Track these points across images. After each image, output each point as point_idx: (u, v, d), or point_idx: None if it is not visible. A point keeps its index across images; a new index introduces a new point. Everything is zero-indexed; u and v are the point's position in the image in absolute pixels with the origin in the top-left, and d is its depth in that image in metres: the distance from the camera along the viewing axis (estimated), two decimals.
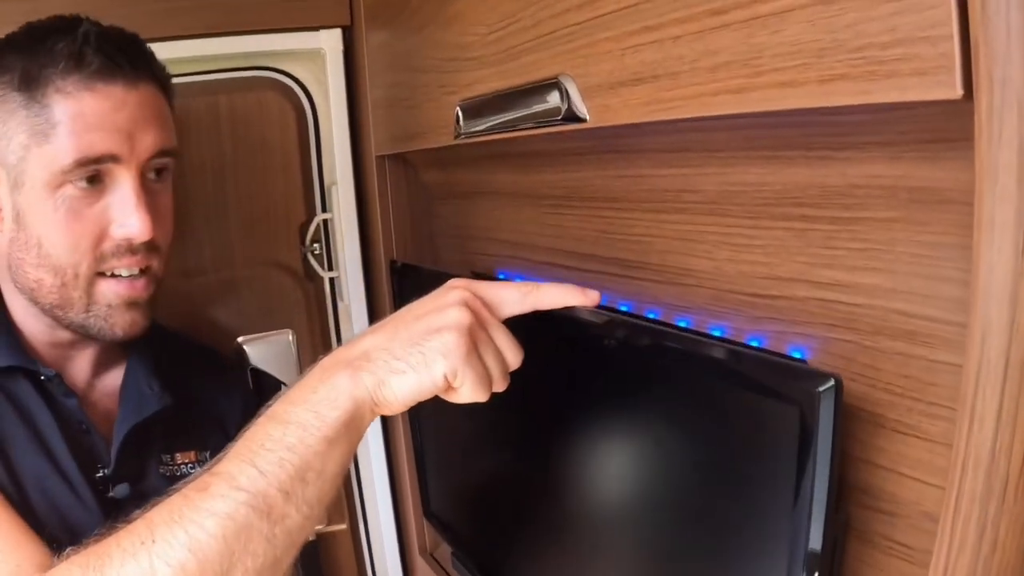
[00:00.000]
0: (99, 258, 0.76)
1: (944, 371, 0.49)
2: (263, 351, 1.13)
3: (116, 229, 0.76)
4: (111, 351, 0.88)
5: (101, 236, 0.76)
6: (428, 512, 1.14)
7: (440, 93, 0.88)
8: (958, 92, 0.38)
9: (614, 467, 0.72)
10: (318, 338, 1.21)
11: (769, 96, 0.48)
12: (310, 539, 1.17)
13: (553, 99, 0.67)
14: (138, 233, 0.76)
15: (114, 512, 0.79)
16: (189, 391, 0.93)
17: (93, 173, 0.74)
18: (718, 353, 0.57)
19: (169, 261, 0.84)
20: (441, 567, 1.19)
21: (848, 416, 0.56)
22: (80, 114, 0.73)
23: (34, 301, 0.80)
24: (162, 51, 0.83)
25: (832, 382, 0.47)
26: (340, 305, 1.22)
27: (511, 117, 0.74)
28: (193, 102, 1.07)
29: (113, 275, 0.78)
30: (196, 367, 0.97)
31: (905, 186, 0.49)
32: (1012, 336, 0.38)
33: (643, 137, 0.67)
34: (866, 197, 0.52)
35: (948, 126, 0.43)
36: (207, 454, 0.91)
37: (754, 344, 0.62)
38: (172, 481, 0.84)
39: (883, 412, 0.54)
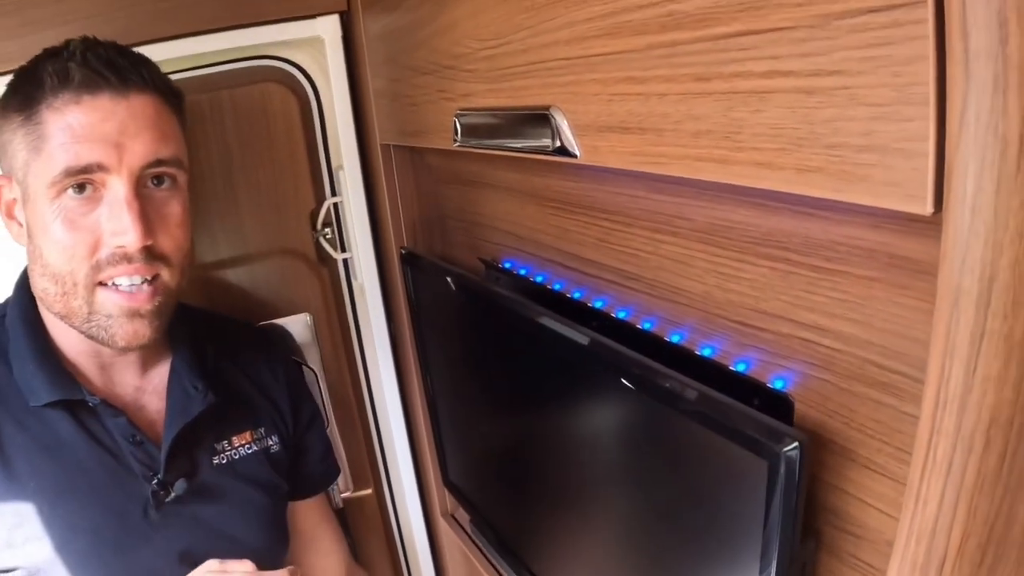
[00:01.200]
0: (96, 267, 0.78)
1: (910, 422, 0.52)
2: None
3: (109, 237, 0.78)
4: (154, 352, 0.91)
5: (96, 245, 0.78)
6: (447, 481, 1.20)
7: (439, 97, 0.88)
8: (928, 210, 0.39)
9: (602, 461, 0.77)
10: (335, 318, 1.25)
11: (749, 173, 0.50)
12: (338, 507, 1.25)
13: (545, 132, 0.68)
14: (130, 240, 0.77)
15: (175, 511, 0.86)
16: (237, 369, 0.98)
17: (83, 182, 0.76)
18: (697, 394, 0.60)
19: (186, 270, 0.85)
20: (462, 528, 1.26)
21: (823, 447, 0.59)
22: (68, 126, 0.76)
23: (54, 312, 0.82)
24: (162, 51, 0.84)
25: (796, 445, 0.50)
26: (355, 285, 1.26)
27: (505, 143, 0.75)
28: (196, 97, 1.07)
29: (114, 285, 0.79)
30: (241, 345, 1.01)
31: (885, 251, 0.51)
32: (957, 442, 0.41)
33: None
34: (847, 254, 0.54)
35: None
36: (262, 430, 0.97)
37: (740, 368, 0.65)
38: (231, 467, 0.92)
39: (855, 448, 0.57)
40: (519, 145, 0.73)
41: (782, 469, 0.51)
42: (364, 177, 1.18)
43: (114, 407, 0.85)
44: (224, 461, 0.92)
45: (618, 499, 0.76)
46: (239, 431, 0.95)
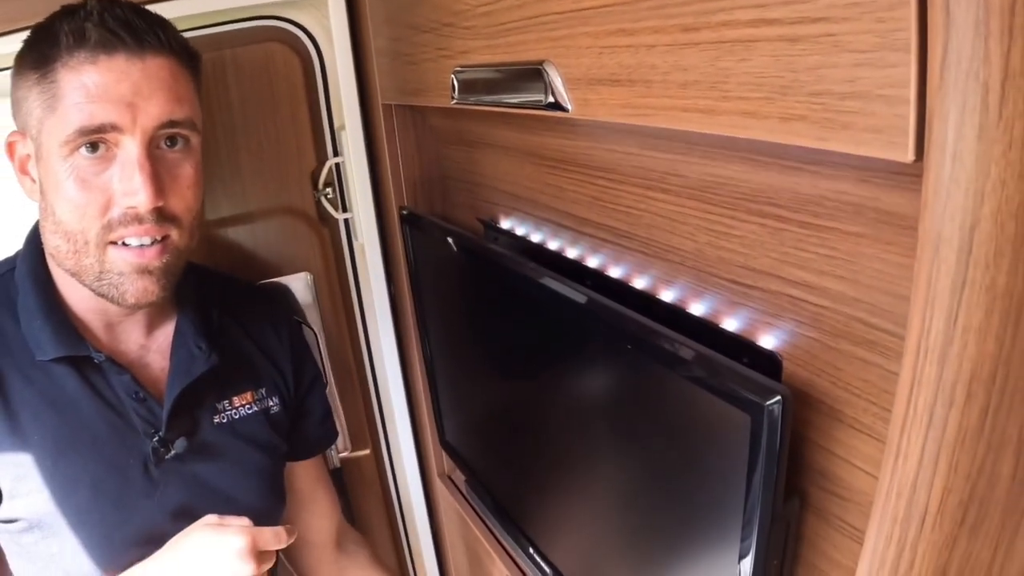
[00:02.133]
0: (107, 226, 0.78)
1: (896, 381, 0.51)
2: None
3: (121, 197, 0.78)
4: (160, 311, 0.91)
5: (108, 204, 0.78)
6: (443, 442, 1.21)
7: (438, 55, 0.87)
8: (910, 157, 0.39)
9: (594, 419, 0.77)
10: (335, 277, 1.25)
11: (734, 122, 0.49)
12: (335, 466, 1.26)
13: (538, 86, 0.67)
14: (141, 201, 0.77)
15: (175, 468, 0.87)
16: (241, 330, 0.99)
17: (96, 141, 0.77)
18: (685, 348, 0.60)
19: (195, 231, 0.85)
20: (458, 489, 1.27)
21: (810, 406, 0.59)
22: (82, 86, 0.75)
23: (65, 270, 0.83)
24: (166, 10, 0.83)
25: (778, 398, 0.50)
26: (355, 245, 1.26)
27: (500, 99, 0.75)
28: None
29: (124, 244, 0.80)
30: (246, 305, 1.02)
31: (873, 207, 0.50)
32: (938, 393, 0.40)
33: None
34: (835, 209, 0.53)
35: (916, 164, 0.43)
36: (263, 391, 0.98)
37: (730, 327, 0.65)
38: (231, 427, 0.93)
39: (842, 408, 0.57)
40: (514, 100, 0.73)
41: (765, 423, 0.51)
42: (366, 138, 1.18)
43: (119, 364, 0.86)
44: (224, 420, 0.93)
45: (609, 459, 0.76)
46: (240, 391, 0.96)
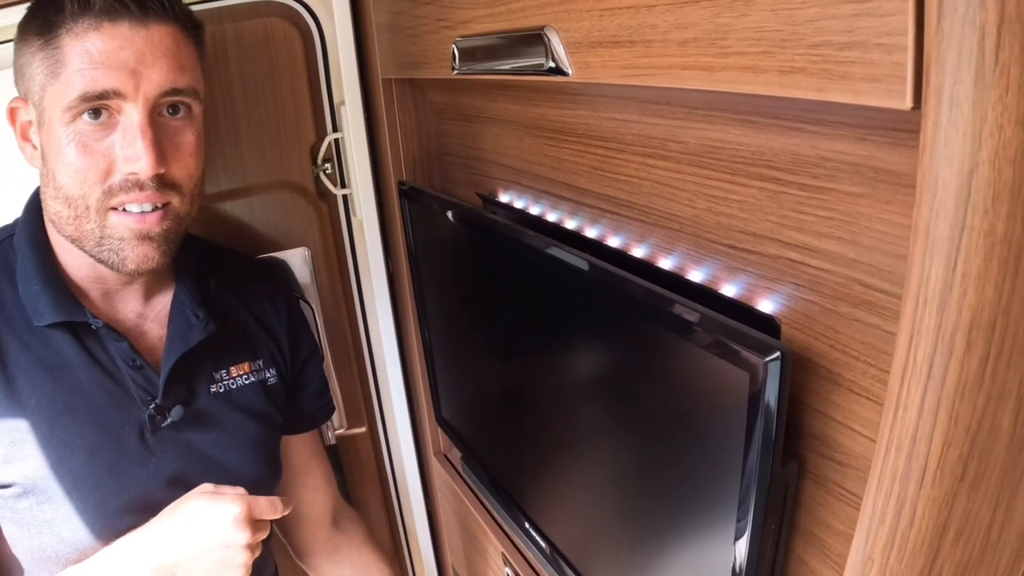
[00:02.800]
0: (108, 192, 0.79)
1: (895, 343, 0.51)
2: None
3: (122, 164, 0.78)
4: (158, 280, 0.92)
5: (109, 170, 0.78)
6: (440, 418, 1.21)
7: (438, 26, 0.87)
8: (908, 104, 0.39)
9: (592, 390, 0.77)
10: (332, 253, 1.25)
11: (733, 78, 0.49)
12: (331, 443, 1.26)
13: (539, 51, 0.67)
14: (142, 168, 0.77)
15: (171, 436, 0.88)
16: (239, 301, 0.99)
17: (99, 107, 0.77)
18: (684, 309, 0.59)
19: (196, 198, 0.86)
20: (453, 466, 1.28)
21: (808, 371, 0.59)
22: (86, 52, 0.75)
23: (64, 235, 0.83)
24: None
25: (777, 355, 0.50)
26: (354, 221, 1.25)
27: (501, 65, 0.74)
28: None
29: (125, 210, 0.80)
30: (244, 279, 1.02)
31: (871, 166, 0.50)
32: (937, 342, 0.40)
33: (628, 86, 0.67)
34: (834, 170, 0.53)
35: (912, 117, 0.43)
36: (260, 362, 0.98)
37: (729, 292, 0.65)
38: (227, 396, 0.93)
39: (840, 371, 0.57)
40: (514, 66, 0.73)
41: (763, 380, 0.51)
42: (365, 113, 1.17)
43: (116, 331, 0.86)
44: (221, 390, 0.94)
45: (607, 429, 0.76)
46: (237, 362, 0.96)
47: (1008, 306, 0.39)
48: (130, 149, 0.78)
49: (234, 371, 0.95)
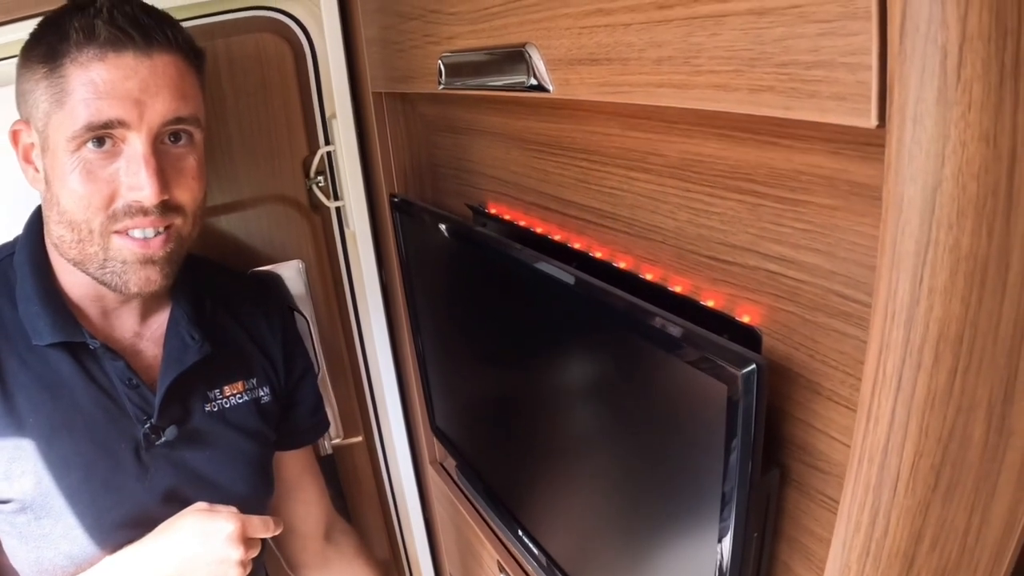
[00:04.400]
0: (112, 217, 0.80)
1: None
2: None
3: (126, 191, 0.79)
4: (155, 300, 0.92)
5: (112, 196, 0.79)
6: (434, 428, 1.22)
7: (425, 42, 0.88)
8: (873, 122, 0.40)
9: (579, 400, 0.78)
10: (327, 265, 1.26)
11: (706, 96, 0.50)
12: (327, 453, 1.27)
13: (521, 68, 0.68)
14: (146, 196, 0.79)
15: (165, 454, 0.89)
16: (234, 320, 1.00)
17: (103, 136, 0.78)
18: (665, 322, 0.60)
19: (199, 219, 0.87)
20: (449, 475, 1.28)
21: (789, 380, 0.60)
22: (91, 82, 0.76)
23: (67, 259, 0.84)
24: (157, 1, 0.83)
25: (753, 367, 0.51)
26: (347, 233, 1.26)
27: (485, 82, 0.75)
28: None
29: (129, 235, 0.81)
30: (240, 297, 1.03)
31: (845, 179, 0.51)
32: (906, 356, 0.41)
33: (610, 102, 0.68)
34: (809, 183, 0.54)
35: (881, 133, 0.44)
36: (254, 381, 0.99)
37: (711, 303, 0.66)
38: (221, 415, 0.94)
39: (819, 381, 0.57)
40: (498, 83, 0.74)
41: (740, 392, 0.52)
42: (357, 126, 1.18)
43: (113, 351, 0.87)
44: (215, 409, 0.94)
45: (595, 438, 0.77)
46: (232, 381, 0.97)
47: (976, 319, 0.40)
48: (134, 178, 0.79)
49: (228, 390, 0.96)
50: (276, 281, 1.20)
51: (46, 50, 0.79)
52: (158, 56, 0.79)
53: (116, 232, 0.81)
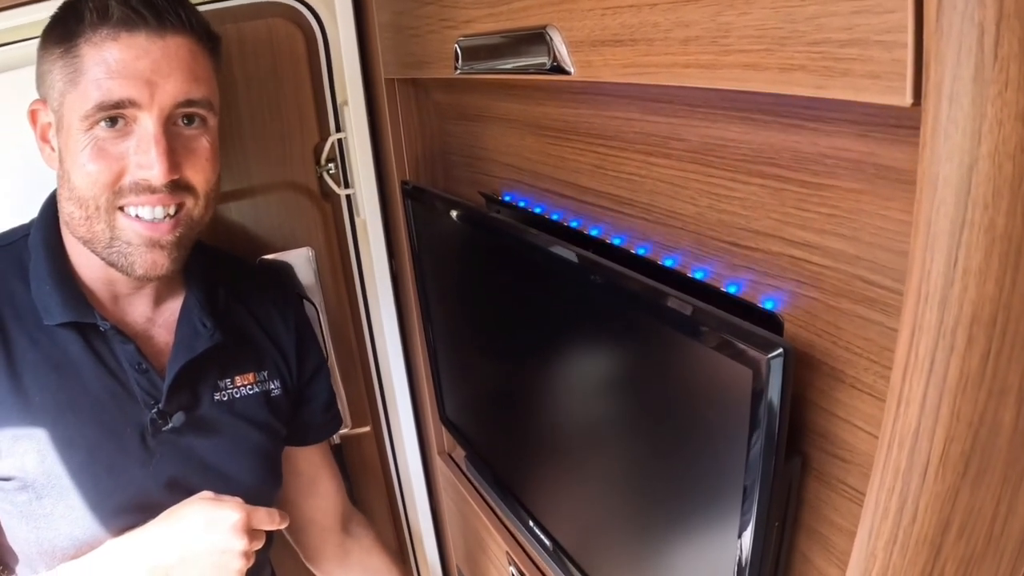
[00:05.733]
0: (117, 192, 0.80)
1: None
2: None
3: (135, 169, 0.80)
4: (168, 286, 0.92)
5: (121, 172, 0.80)
6: (443, 418, 1.21)
7: (441, 26, 0.87)
8: (908, 100, 0.39)
9: (596, 387, 0.77)
10: (336, 253, 1.25)
11: (735, 75, 0.49)
12: (335, 442, 1.27)
13: (541, 50, 0.67)
14: (155, 175, 0.79)
15: (171, 440, 0.88)
16: (248, 312, 1.00)
17: (115, 116, 0.78)
18: (687, 306, 0.60)
19: (212, 203, 0.87)
20: (457, 466, 1.28)
21: (811, 367, 0.59)
22: (103, 61, 0.77)
23: (77, 237, 0.84)
24: None
25: (780, 351, 0.50)
26: (357, 221, 1.26)
27: (504, 65, 0.75)
28: None
29: (137, 216, 0.81)
30: (254, 288, 1.03)
31: (872, 162, 0.50)
32: (939, 338, 0.40)
33: (630, 85, 0.67)
34: (835, 167, 0.53)
35: (913, 113, 0.43)
36: (264, 373, 0.98)
37: (732, 290, 0.65)
38: (230, 405, 0.94)
39: (842, 368, 0.57)
40: (516, 65, 0.73)
41: (766, 376, 0.51)
42: (368, 113, 1.18)
43: (124, 334, 0.87)
44: (225, 398, 0.94)
45: (611, 426, 0.77)
46: (242, 371, 0.97)
47: (1009, 301, 0.39)
48: (144, 156, 0.79)
49: (239, 380, 0.96)
50: (287, 272, 1.20)
51: (62, 31, 0.79)
52: (171, 37, 0.79)
53: (121, 210, 0.81)
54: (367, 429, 1.34)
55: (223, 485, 0.86)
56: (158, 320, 0.92)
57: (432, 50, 0.92)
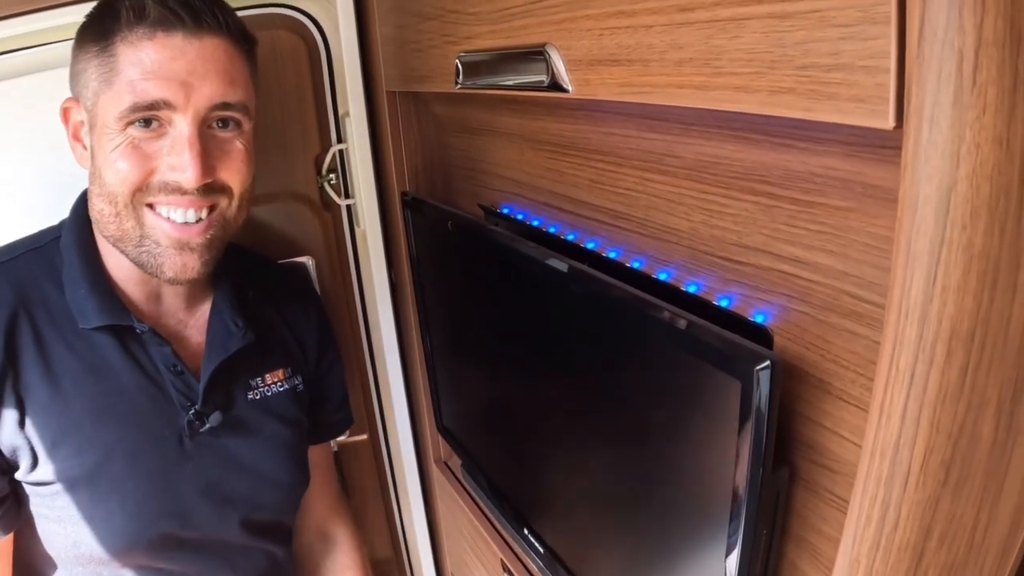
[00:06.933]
0: (144, 190, 0.80)
1: None
2: None
3: (167, 170, 0.79)
4: (200, 287, 0.93)
5: (151, 171, 0.80)
6: (441, 426, 1.23)
7: (443, 42, 0.89)
8: (890, 124, 0.41)
9: (590, 398, 0.78)
10: (336, 263, 1.27)
11: (726, 97, 0.51)
12: (333, 450, 1.28)
13: (540, 68, 0.69)
14: (188, 179, 0.79)
15: (208, 442, 0.89)
16: (275, 309, 1.01)
17: (150, 117, 0.78)
18: (679, 319, 0.61)
19: (246, 205, 0.87)
20: (453, 474, 1.29)
21: (800, 380, 0.61)
22: (139, 62, 0.77)
23: (106, 237, 0.84)
24: None
25: (768, 363, 0.52)
26: (357, 231, 1.27)
27: (503, 81, 0.76)
28: None
29: (169, 219, 0.81)
30: (277, 284, 1.04)
31: (859, 181, 0.52)
32: (919, 352, 0.42)
33: (627, 103, 0.69)
34: (824, 185, 0.55)
35: (897, 135, 0.45)
36: (290, 369, 1.00)
37: (723, 304, 0.67)
38: (263, 404, 0.95)
39: (830, 380, 0.58)
40: (515, 82, 0.75)
41: (755, 387, 0.53)
42: (370, 125, 1.19)
43: (160, 336, 0.88)
44: (258, 397, 0.95)
45: (604, 437, 0.78)
46: (272, 369, 0.98)
47: (987, 317, 0.41)
48: (177, 159, 0.79)
49: (269, 378, 0.97)
50: (306, 271, 1.21)
51: (99, 30, 0.79)
52: (208, 39, 0.79)
53: (151, 207, 0.80)
54: (364, 437, 1.35)
55: (260, 485, 0.87)
56: (189, 321, 0.93)
57: (433, 64, 0.94)
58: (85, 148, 0.84)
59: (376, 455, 1.40)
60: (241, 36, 0.83)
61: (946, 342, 0.41)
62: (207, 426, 0.89)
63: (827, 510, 0.61)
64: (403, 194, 1.12)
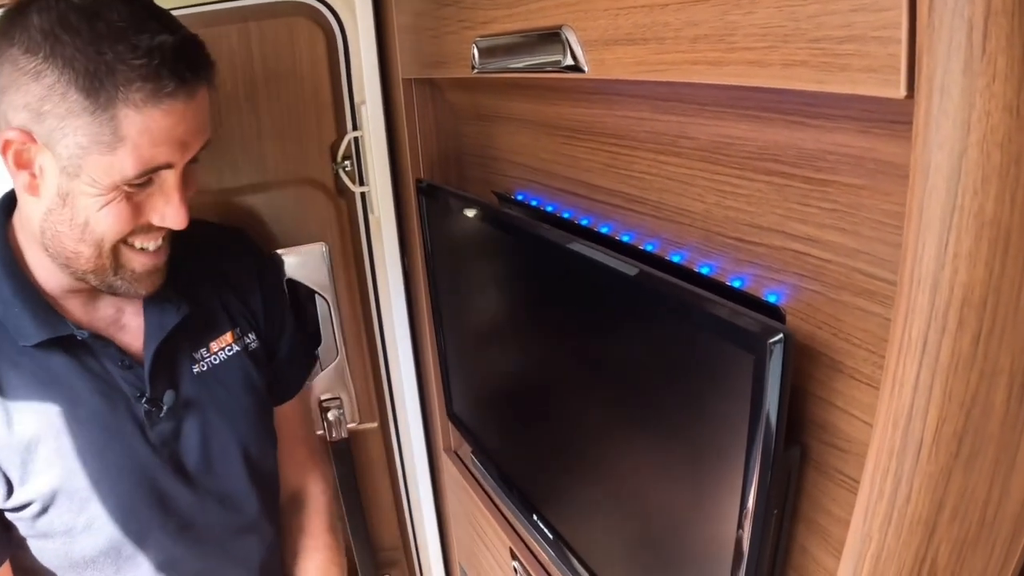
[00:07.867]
0: (132, 232, 0.82)
1: None
2: (298, 262, 1.22)
3: (156, 219, 0.82)
4: None
5: (139, 219, 0.81)
6: (451, 414, 1.23)
7: (460, 27, 0.90)
8: (902, 93, 0.41)
9: (603, 381, 0.79)
10: (350, 250, 1.28)
11: (740, 71, 0.51)
12: (343, 436, 1.29)
13: (556, 49, 0.70)
14: (177, 224, 0.82)
15: (169, 427, 0.90)
16: (211, 270, 1.01)
17: (149, 179, 0.79)
18: (693, 296, 0.61)
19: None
20: (463, 463, 1.30)
21: (811, 359, 0.61)
22: (147, 130, 0.75)
23: (67, 267, 0.83)
24: None
25: (780, 336, 0.52)
26: (371, 218, 1.28)
27: (520, 63, 0.77)
28: (225, 28, 1.11)
29: (141, 249, 0.83)
30: (213, 247, 1.03)
31: (872, 157, 0.52)
32: (931, 320, 0.42)
33: (642, 84, 0.69)
34: (836, 163, 0.55)
35: (908, 107, 0.45)
36: (238, 330, 1.00)
37: (736, 284, 0.67)
38: (212, 374, 0.94)
39: (842, 359, 0.58)
40: (532, 63, 0.75)
41: (768, 361, 0.53)
42: (385, 112, 1.20)
43: (102, 337, 0.88)
44: (205, 368, 0.95)
45: (616, 420, 0.78)
46: (219, 334, 0.98)
47: (999, 284, 0.41)
48: (167, 208, 0.81)
49: (215, 346, 0.97)
50: (246, 233, 1.14)
51: (87, 77, 0.72)
52: (199, 93, 0.79)
53: (123, 242, 0.82)
54: (374, 425, 1.35)
55: (230, 456, 0.87)
56: (127, 308, 0.93)
57: (450, 50, 0.94)
58: (34, 176, 0.78)
59: (386, 443, 1.40)
60: (214, 70, 0.81)
61: (958, 310, 0.41)
62: (164, 409, 0.89)
63: (838, 491, 0.61)
64: (418, 181, 1.13)
